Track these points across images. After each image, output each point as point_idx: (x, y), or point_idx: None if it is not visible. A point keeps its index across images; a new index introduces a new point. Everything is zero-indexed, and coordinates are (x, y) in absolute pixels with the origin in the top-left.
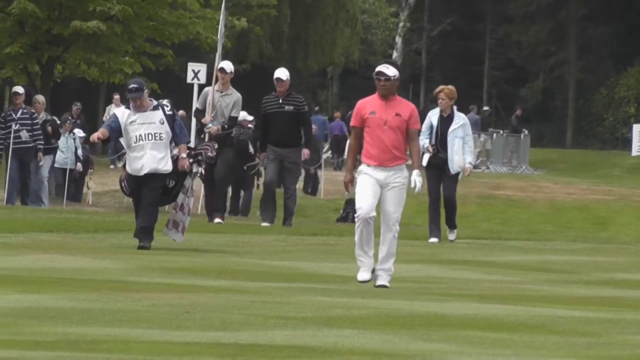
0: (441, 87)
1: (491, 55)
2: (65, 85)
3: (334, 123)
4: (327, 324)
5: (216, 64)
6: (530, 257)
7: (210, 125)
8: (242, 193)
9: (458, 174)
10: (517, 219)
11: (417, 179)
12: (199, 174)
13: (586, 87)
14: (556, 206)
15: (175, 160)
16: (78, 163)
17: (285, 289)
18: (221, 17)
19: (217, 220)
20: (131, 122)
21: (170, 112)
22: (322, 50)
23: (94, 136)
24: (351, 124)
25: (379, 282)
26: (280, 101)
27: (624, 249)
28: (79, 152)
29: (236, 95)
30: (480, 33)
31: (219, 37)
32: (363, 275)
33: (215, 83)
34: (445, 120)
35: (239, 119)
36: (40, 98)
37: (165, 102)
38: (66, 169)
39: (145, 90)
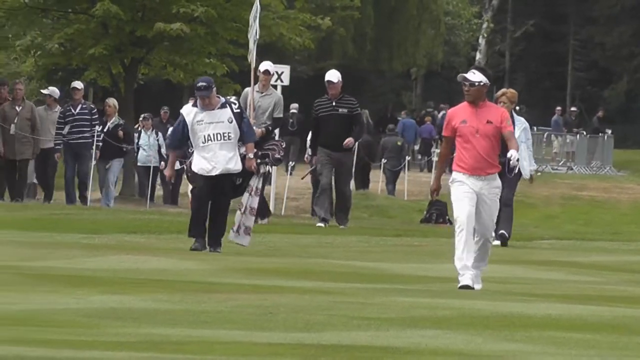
0: (503, 90)
1: (574, 57)
2: (147, 87)
3: (423, 126)
4: (410, 324)
5: (253, 64)
6: (614, 257)
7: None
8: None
9: (518, 177)
10: (601, 219)
11: (514, 155)
12: (265, 174)
13: None
14: None
15: (242, 158)
16: (162, 162)
17: (368, 289)
18: (255, 17)
19: (261, 221)
20: (199, 122)
21: (238, 110)
22: (406, 52)
23: (168, 175)
24: (443, 133)
25: (465, 282)
26: (334, 104)
27: None
28: (163, 150)
29: (277, 96)
30: (564, 34)
31: (251, 37)
32: (466, 280)
33: (255, 84)
34: None
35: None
36: (111, 101)
37: (233, 99)
38: (149, 167)
39: (214, 88)
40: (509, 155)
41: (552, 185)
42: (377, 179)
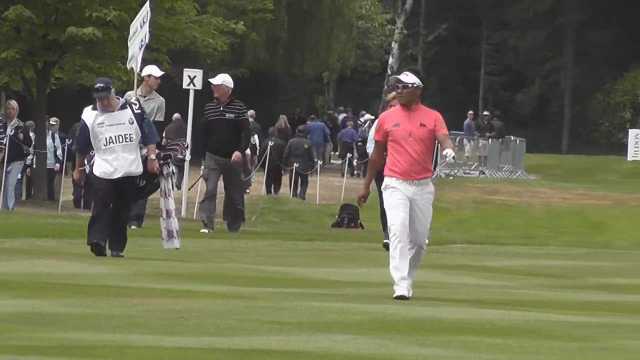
0: (394, 94)
1: (487, 61)
2: (60, 92)
3: (345, 130)
4: (321, 329)
5: (137, 69)
6: (525, 262)
7: None
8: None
9: None
10: (513, 224)
11: (450, 152)
12: (169, 174)
13: (582, 92)
14: (552, 211)
15: (144, 160)
16: (57, 164)
17: (279, 294)
18: (143, 23)
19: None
20: (99, 124)
21: (139, 111)
22: (318, 56)
23: (76, 178)
24: (374, 137)
25: (400, 293)
26: (222, 109)
27: (619, 254)
28: (59, 152)
29: (159, 100)
30: (477, 39)
31: (136, 42)
32: (401, 290)
33: (138, 87)
34: None
35: None
36: (13, 103)
37: (133, 99)
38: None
39: (113, 89)
40: (444, 152)
41: (464, 189)
42: (288, 183)
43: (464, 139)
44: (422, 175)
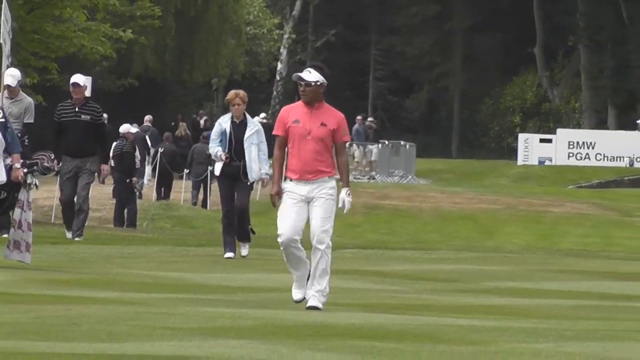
0: (236, 91)
1: (376, 67)
2: None
3: None
4: (213, 334)
5: (2, 72)
6: (416, 266)
7: None
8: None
9: (253, 183)
10: (404, 228)
11: (346, 198)
12: (33, 186)
13: (471, 97)
14: (442, 216)
15: (8, 170)
16: None
17: (171, 299)
18: (2, 24)
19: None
20: None
21: (2, 120)
22: (207, 62)
23: None
24: (274, 132)
25: (310, 303)
26: (77, 110)
27: (510, 258)
28: None
29: (27, 101)
30: (365, 44)
31: (2, 44)
32: (296, 294)
33: (4, 91)
34: (239, 127)
35: (122, 130)
36: None
37: (5, 109)
38: None
39: None
40: (340, 196)
41: (355, 194)
42: (180, 189)
43: (353, 144)
44: (318, 175)
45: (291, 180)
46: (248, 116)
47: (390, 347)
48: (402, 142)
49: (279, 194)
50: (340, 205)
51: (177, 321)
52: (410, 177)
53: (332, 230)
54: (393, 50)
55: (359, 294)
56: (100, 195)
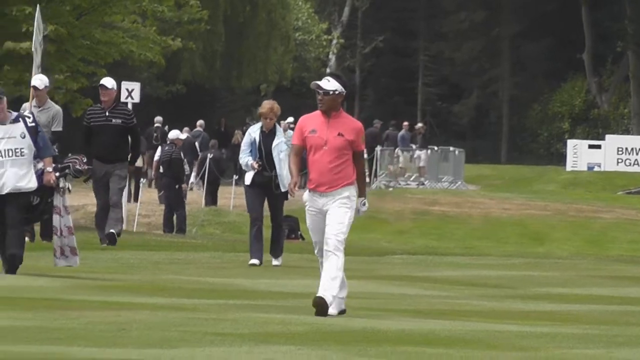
0: (270, 106)
1: (425, 72)
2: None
3: None
4: (263, 340)
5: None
6: (466, 272)
7: None
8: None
9: (287, 192)
10: (453, 234)
11: (361, 208)
12: (65, 190)
13: (520, 103)
14: (492, 222)
15: (40, 175)
16: None
17: (221, 305)
18: (35, 33)
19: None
20: None
21: (33, 124)
22: (256, 68)
23: None
24: (292, 141)
25: (330, 311)
26: (107, 114)
27: (559, 264)
28: None
29: (54, 109)
30: (414, 50)
31: (34, 52)
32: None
33: (33, 99)
34: (268, 137)
35: (171, 137)
36: None
37: (27, 112)
38: None
39: (4, 99)
40: (360, 205)
41: (404, 200)
42: (228, 195)
43: (399, 150)
44: (333, 186)
45: (309, 190)
46: (278, 126)
47: (439, 353)
48: (451, 148)
49: (297, 183)
50: (360, 206)
51: (227, 327)
52: (459, 182)
53: (344, 237)
54: (441, 56)
55: (409, 299)
56: (150, 200)
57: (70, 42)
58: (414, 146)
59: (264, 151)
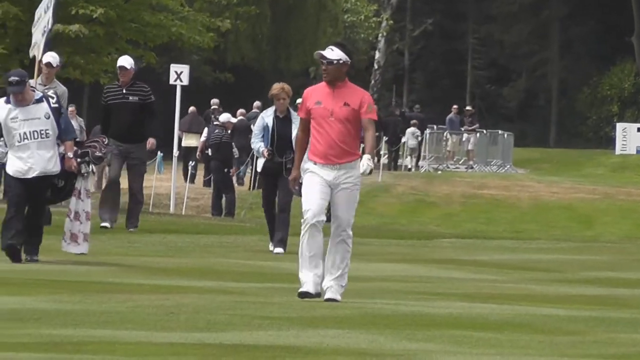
0: (281, 85)
1: (474, 55)
2: None
3: None
4: (311, 324)
5: (38, 57)
6: (514, 256)
7: None
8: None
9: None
10: (501, 218)
11: (366, 162)
12: (88, 174)
13: (569, 86)
14: (540, 205)
15: (62, 158)
16: None
17: (269, 289)
18: (47, 8)
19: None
20: (12, 119)
21: (56, 105)
22: (304, 50)
23: None
24: (298, 114)
25: (328, 295)
26: (124, 91)
27: (608, 248)
28: None
29: (60, 89)
30: (463, 33)
31: (39, 29)
32: (307, 286)
33: (38, 76)
34: (283, 122)
35: (222, 120)
36: None
37: (50, 92)
38: None
39: (28, 82)
40: (361, 163)
41: (452, 183)
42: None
43: (447, 133)
44: (344, 159)
45: (315, 163)
46: (292, 110)
47: (488, 337)
48: (499, 132)
49: (297, 179)
50: (361, 170)
51: (274, 310)
52: (508, 166)
53: (353, 221)
54: (490, 39)
55: (457, 283)
56: (198, 183)
57: (119, 25)
58: (462, 129)
59: (277, 137)
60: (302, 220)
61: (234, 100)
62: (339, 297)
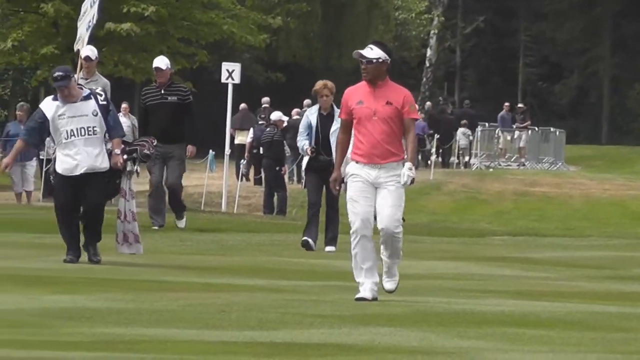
0: (324, 81)
1: (525, 52)
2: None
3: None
4: (363, 322)
5: (81, 52)
6: (566, 253)
7: None
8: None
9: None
10: (553, 215)
11: (407, 172)
12: (132, 173)
13: (621, 83)
14: (592, 202)
15: (109, 156)
16: None
17: (321, 287)
18: (93, 3)
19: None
20: (60, 116)
21: (105, 102)
22: (356, 48)
23: (5, 164)
24: (339, 116)
25: (386, 287)
26: (162, 92)
27: None
28: None
29: (102, 81)
30: (514, 30)
31: (84, 23)
32: (364, 293)
33: (80, 71)
34: (326, 119)
35: (274, 118)
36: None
37: (99, 90)
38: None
39: (73, 78)
40: (401, 172)
41: (504, 181)
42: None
43: (499, 131)
44: (388, 159)
45: (357, 163)
46: (336, 108)
47: (539, 335)
48: (551, 129)
49: (337, 180)
50: (402, 181)
51: (326, 309)
52: (560, 163)
53: (400, 217)
54: (542, 36)
55: (509, 281)
56: (250, 182)
57: (171, 23)
58: (514, 126)
59: (321, 135)
60: (350, 232)
61: (286, 98)
62: (394, 287)
